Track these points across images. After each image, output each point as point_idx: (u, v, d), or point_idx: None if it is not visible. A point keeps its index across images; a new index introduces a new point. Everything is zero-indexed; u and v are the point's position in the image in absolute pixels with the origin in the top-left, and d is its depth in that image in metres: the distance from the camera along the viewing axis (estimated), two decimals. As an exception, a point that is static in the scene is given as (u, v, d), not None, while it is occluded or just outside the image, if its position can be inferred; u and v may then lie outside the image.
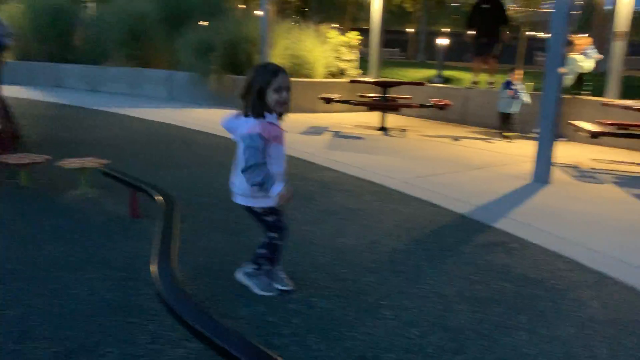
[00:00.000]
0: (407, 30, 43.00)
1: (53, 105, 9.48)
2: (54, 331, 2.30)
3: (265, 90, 2.48)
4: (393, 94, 9.06)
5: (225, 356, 1.68)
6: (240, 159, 2.55)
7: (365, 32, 20.26)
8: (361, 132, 8.18)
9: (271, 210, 2.69)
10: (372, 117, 9.43)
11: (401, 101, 9.00)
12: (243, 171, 2.52)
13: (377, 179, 5.29)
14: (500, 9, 9.87)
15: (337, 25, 23.09)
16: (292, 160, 5.91)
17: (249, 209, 2.72)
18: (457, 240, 3.74)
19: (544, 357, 2.34)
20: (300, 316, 2.55)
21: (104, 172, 4.00)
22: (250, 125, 2.51)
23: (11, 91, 7.56)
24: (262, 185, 2.49)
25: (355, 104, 8.77)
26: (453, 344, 2.40)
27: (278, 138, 2.59)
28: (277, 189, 2.49)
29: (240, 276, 2.86)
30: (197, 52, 10.57)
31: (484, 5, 9.69)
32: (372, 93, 9.73)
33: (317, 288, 2.86)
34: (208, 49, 10.41)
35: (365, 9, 44.76)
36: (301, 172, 5.47)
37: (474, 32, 9.82)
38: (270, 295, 2.74)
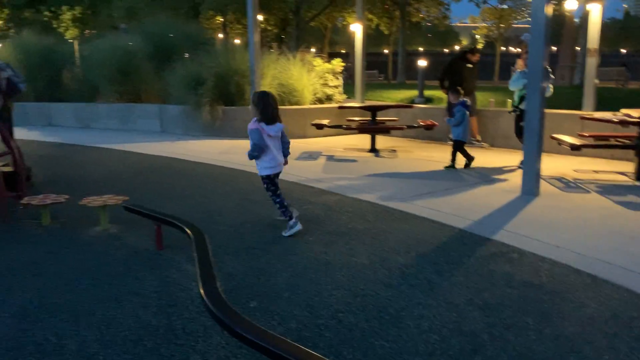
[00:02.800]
0: (384, 51, 44.04)
1: (49, 145, 9.66)
2: (115, 357, 2.52)
3: None
4: (380, 116, 9.44)
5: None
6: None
7: (343, 56, 20.84)
8: (353, 155, 8.50)
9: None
10: (361, 140, 9.78)
11: (389, 123, 9.36)
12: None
13: (377, 199, 5.59)
14: (476, 65, 9.67)
15: (314, 50, 23.63)
16: (294, 186, 6.26)
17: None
18: (461, 253, 4.03)
19: (553, 354, 2.62)
20: (331, 330, 2.81)
21: (127, 208, 4.24)
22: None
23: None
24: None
25: (346, 129, 9.11)
26: (471, 346, 2.67)
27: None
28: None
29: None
30: (188, 85, 10.86)
31: (468, 65, 9.40)
32: (359, 117, 10.10)
33: (341, 304, 3.12)
34: (198, 82, 10.71)
35: (342, 33, 45.79)
36: (304, 196, 5.75)
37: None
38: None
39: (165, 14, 18.46)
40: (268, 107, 4.40)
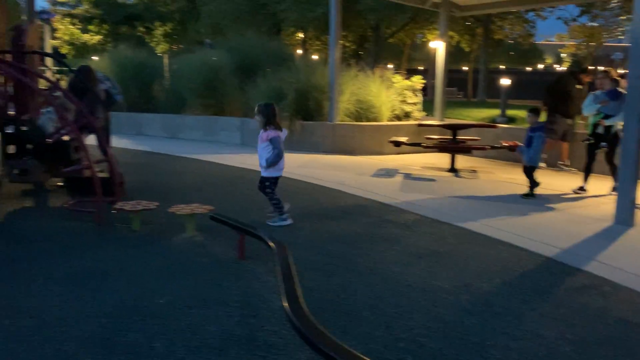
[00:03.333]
0: (463, 68, 43.20)
1: (140, 153, 10.21)
2: (200, 363, 2.60)
3: None
4: (460, 135, 9.23)
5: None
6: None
7: (421, 72, 20.71)
8: (432, 174, 8.35)
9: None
10: (439, 159, 9.59)
11: (471, 143, 9.12)
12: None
13: (457, 221, 5.44)
14: (586, 87, 8.95)
15: (391, 66, 23.62)
16: (371, 203, 6.23)
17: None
18: (549, 283, 3.83)
19: (656, 400, 2.41)
20: (413, 354, 2.75)
21: (213, 217, 4.39)
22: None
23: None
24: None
25: (426, 147, 8.97)
26: (563, 384, 2.51)
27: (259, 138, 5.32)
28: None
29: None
30: (269, 100, 11.13)
31: (579, 86, 8.71)
32: (437, 135, 9.92)
33: (422, 329, 3.05)
34: (279, 97, 10.96)
35: (420, 49, 45.43)
36: (381, 214, 5.70)
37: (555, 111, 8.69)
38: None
39: (248, 30, 19.14)
40: (276, 116, 5.16)
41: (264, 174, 5.26)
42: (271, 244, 3.44)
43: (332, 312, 3.25)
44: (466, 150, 9.08)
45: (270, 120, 5.12)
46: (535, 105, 7.55)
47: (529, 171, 6.75)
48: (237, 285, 3.62)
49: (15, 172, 6.09)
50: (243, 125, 11.84)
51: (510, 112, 15.55)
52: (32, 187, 6.52)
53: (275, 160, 5.13)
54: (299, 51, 31.30)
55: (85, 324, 3.02)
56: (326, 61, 11.43)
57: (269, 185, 5.24)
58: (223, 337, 2.87)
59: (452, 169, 8.62)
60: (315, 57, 27.52)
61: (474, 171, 8.75)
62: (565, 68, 47.78)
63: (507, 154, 9.58)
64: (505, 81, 15.65)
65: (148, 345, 2.77)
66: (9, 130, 6.32)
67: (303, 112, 10.97)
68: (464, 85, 36.91)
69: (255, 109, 5.26)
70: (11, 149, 6.29)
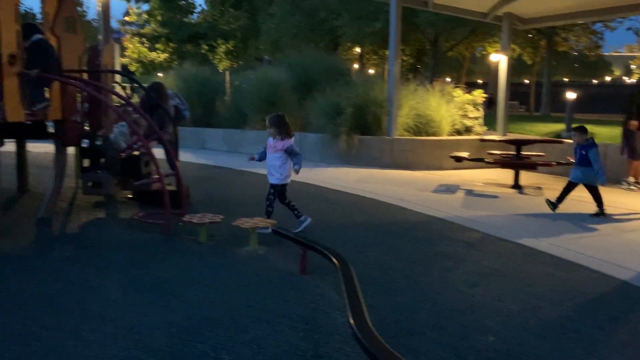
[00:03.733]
0: (524, 81, 42.02)
1: (203, 166, 10.53)
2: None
3: None
4: (524, 151, 8.95)
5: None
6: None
7: (481, 86, 20.32)
8: (494, 191, 8.14)
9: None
10: (502, 174, 9.34)
11: (535, 158, 8.84)
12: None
13: (523, 239, 5.27)
14: None
15: (449, 79, 23.29)
16: (432, 220, 6.14)
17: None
18: (627, 309, 3.64)
19: None
20: (481, 378, 2.67)
21: (275, 232, 4.45)
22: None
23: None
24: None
25: (489, 163, 8.76)
26: (646, 418, 2.37)
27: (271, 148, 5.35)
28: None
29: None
30: (327, 115, 11.23)
31: None
32: (499, 150, 9.67)
33: (491, 351, 2.96)
34: (337, 112, 11.04)
35: (479, 62, 44.59)
36: (444, 231, 5.60)
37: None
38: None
39: (307, 46, 19.42)
40: (287, 124, 5.31)
41: (274, 181, 5.37)
42: (334, 259, 3.45)
43: (396, 330, 3.21)
44: (531, 166, 8.80)
45: (282, 130, 5.28)
46: (579, 124, 7.23)
47: (595, 190, 6.45)
48: (299, 300, 3.64)
49: (88, 185, 6.43)
50: (301, 139, 11.97)
51: (577, 127, 14.94)
52: (103, 199, 6.84)
53: (301, 162, 5.25)
54: (356, 66, 31.45)
55: (154, 333, 3.11)
56: (383, 75, 11.45)
57: (273, 192, 5.38)
58: (289, 352, 2.89)
59: (516, 186, 8.38)
60: (371, 71, 27.56)
61: (539, 188, 8.46)
62: (635, 80, 45.51)
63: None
64: (570, 95, 15.09)
65: (216, 357, 2.83)
66: (84, 144, 6.69)
67: (361, 127, 10.99)
68: (526, 99, 35.84)
69: (267, 121, 5.42)
70: (86, 162, 6.66)
